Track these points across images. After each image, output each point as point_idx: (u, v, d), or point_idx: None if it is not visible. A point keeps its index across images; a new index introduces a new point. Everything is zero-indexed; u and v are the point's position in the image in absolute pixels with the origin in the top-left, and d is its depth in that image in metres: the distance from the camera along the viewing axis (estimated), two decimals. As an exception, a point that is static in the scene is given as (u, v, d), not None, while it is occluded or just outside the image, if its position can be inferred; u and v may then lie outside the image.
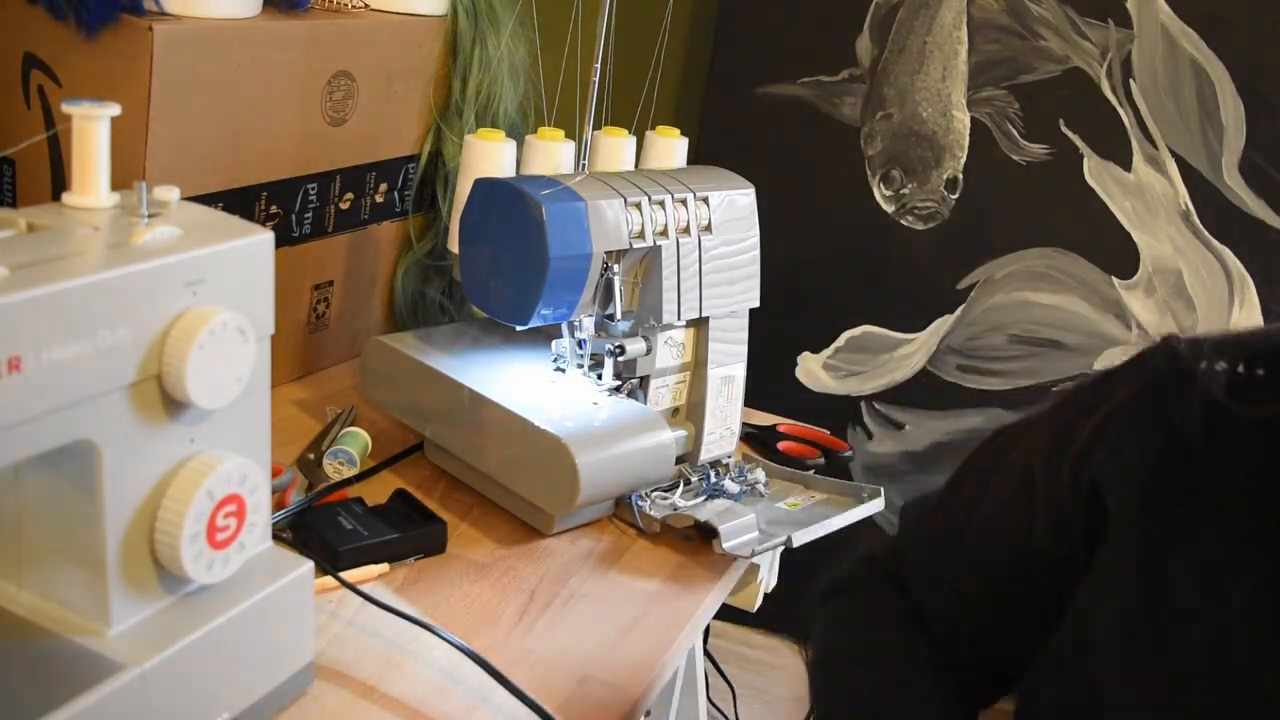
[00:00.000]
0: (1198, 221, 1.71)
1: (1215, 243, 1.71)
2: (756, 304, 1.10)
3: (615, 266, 1.00)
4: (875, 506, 1.05)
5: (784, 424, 1.27)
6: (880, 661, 0.75)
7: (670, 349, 1.06)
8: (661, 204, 1.01)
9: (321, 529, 0.91)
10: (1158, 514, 0.63)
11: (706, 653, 1.59)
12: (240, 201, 1.07)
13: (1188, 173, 1.70)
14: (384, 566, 0.91)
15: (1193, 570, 0.61)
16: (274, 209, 1.12)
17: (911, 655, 0.75)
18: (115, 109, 0.61)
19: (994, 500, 0.74)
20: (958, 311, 1.84)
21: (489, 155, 1.09)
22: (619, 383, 1.04)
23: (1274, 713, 0.57)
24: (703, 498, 1.04)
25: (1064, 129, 1.74)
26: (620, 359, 1.02)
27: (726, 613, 1.10)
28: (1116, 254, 1.76)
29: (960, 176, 1.79)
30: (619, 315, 1.02)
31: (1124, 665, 0.62)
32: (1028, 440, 0.74)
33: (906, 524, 0.83)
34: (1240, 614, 0.59)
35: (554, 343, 1.07)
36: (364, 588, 0.86)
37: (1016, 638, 0.72)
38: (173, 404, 0.62)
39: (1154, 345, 0.67)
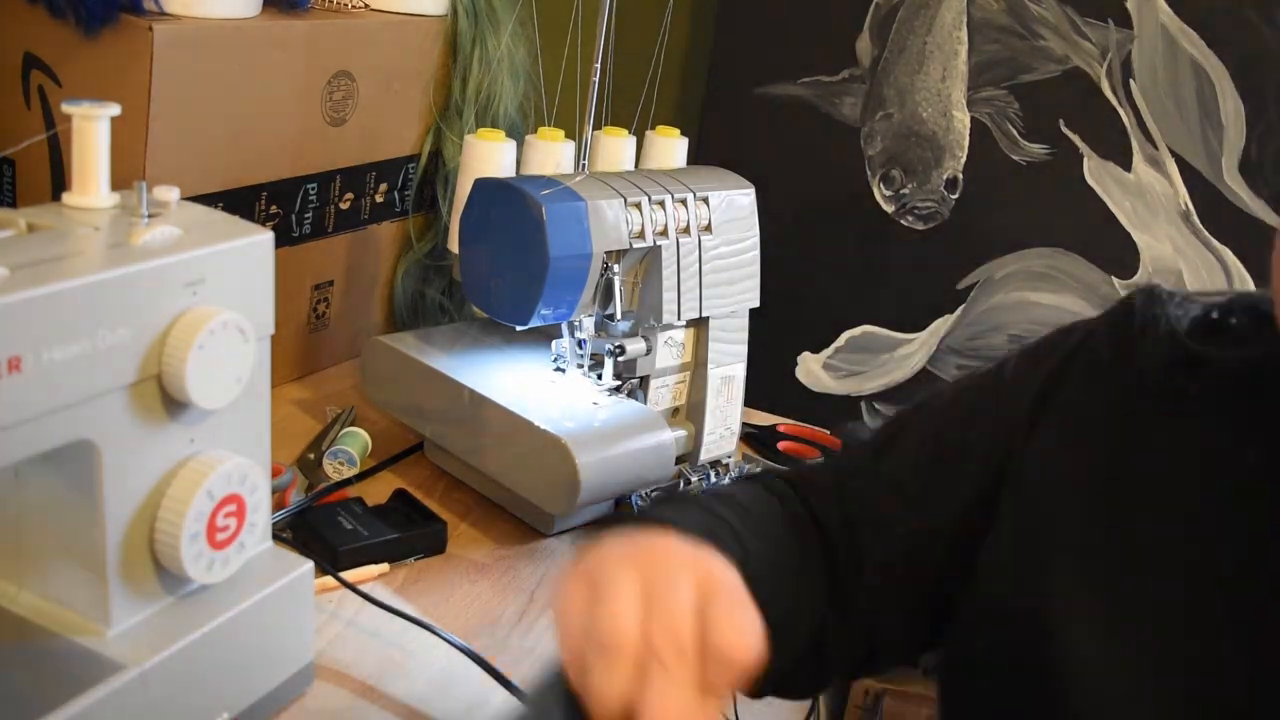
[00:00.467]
0: (1198, 221, 1.71)
1: (1215, 243, 1.71)
2: (756, 304, 1.10)
3: (615, 266, 1.00)
4: (875, 506, 1.05)
5: (784, 424, 1.27)
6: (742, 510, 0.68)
7: (670, 349, 1.05)
8: (661, 204, 1.01)
9: (321, 529, 0.91)
10: (1117, 451, 0.62)
11: (706, 653, 1.59)
12: (240, 201, 1.07)
13: (1188, 173, 1.70)
14: (384, 566, 0.91)
15: (1150, 520, 0.60)
16: (274, 209, 1.11)
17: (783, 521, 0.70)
18: (115, 109, 0.61)
19: (931, 440, 0.72)
20: (958, 311, 1.84)
21: (489, 155, 1.09)
22: (619, 383, 1.04)
23: (1246, 664, 0.56)
24: (703, 498, 1.04)
25: (1064, 129, 1.74)
26: (620, 359, 1.02)
27: (726, 613, 1.10)
28: (1116, 254, 1.75)
29: (960, 176, 1.79)
30: (619, 315, 1.02)
31: (1085, 608, 0.60)
32: (979, 381, 0.73)
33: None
34: (1202, 565, 0.58)
35: (554, 343, 1.07)
36: (364, 588, 0.86)
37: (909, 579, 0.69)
38: (173, 404, 0.62)
39: (1134, 290, 0.67)
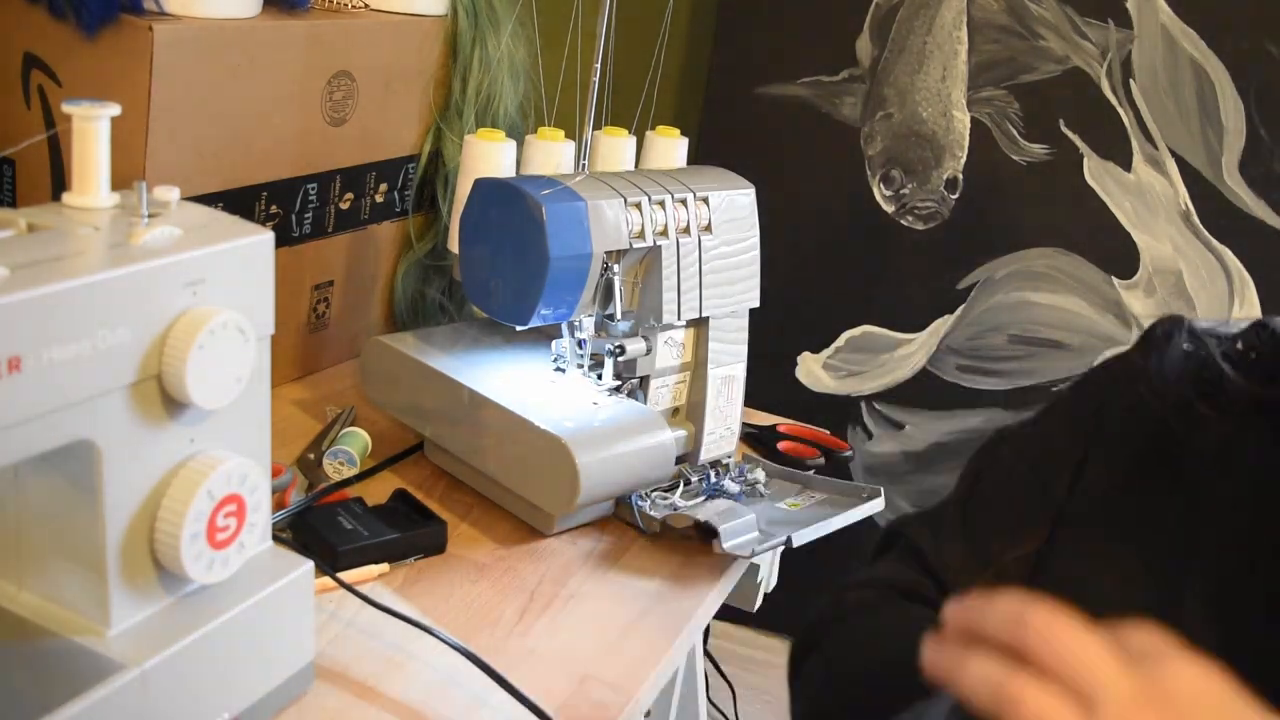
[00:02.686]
0: (1198, 221, 1.71)
1: (1215, 243, 1.71)
2: (756, 304, 1.10)
3: (615, 266, 1.00)
4: (875, 506, 1.05)
5: (784, 424, 1.27)
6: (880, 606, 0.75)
7: (670, 349, 1.06)
8: (661, 204, 1.01)
9: (321, 529, 0.91)
10: (1141, 482, 0.65)
11: (706, 653, 1.59)
12: (240, 201, 1.07)
13: (1188, 173, 1.70)
14: (384, 566, 0.91)
15: (1175, 544, 0.62)
16: (274, 209, 1.12)
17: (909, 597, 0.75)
18: (115, 109, 0.61)
19: (996, 484, 0.76)
20: (958, 311, 1.84)
21: (489, 155, 1.09)
22: (619, 383, 1.04)
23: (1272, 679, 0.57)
24: (703, 498, 1.04)
25: (1064, 129, 1.74)
26: (620, 359, 1.02)
27: (726, 613, 1.10)
28: (1116, 254, 1.76)
29: (960, 176, 1.79)
30: (619, 315, 1.02)
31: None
32: (1034, 430, 0.76)
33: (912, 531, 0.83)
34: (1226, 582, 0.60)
35: (554, 343, 1.07)
36: (364, 588, 0.86)
37: None
38: (173, 404, 0.62)
39: (1157, 321, 0.70)
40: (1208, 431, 0.63)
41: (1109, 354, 0.80)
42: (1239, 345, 0.65)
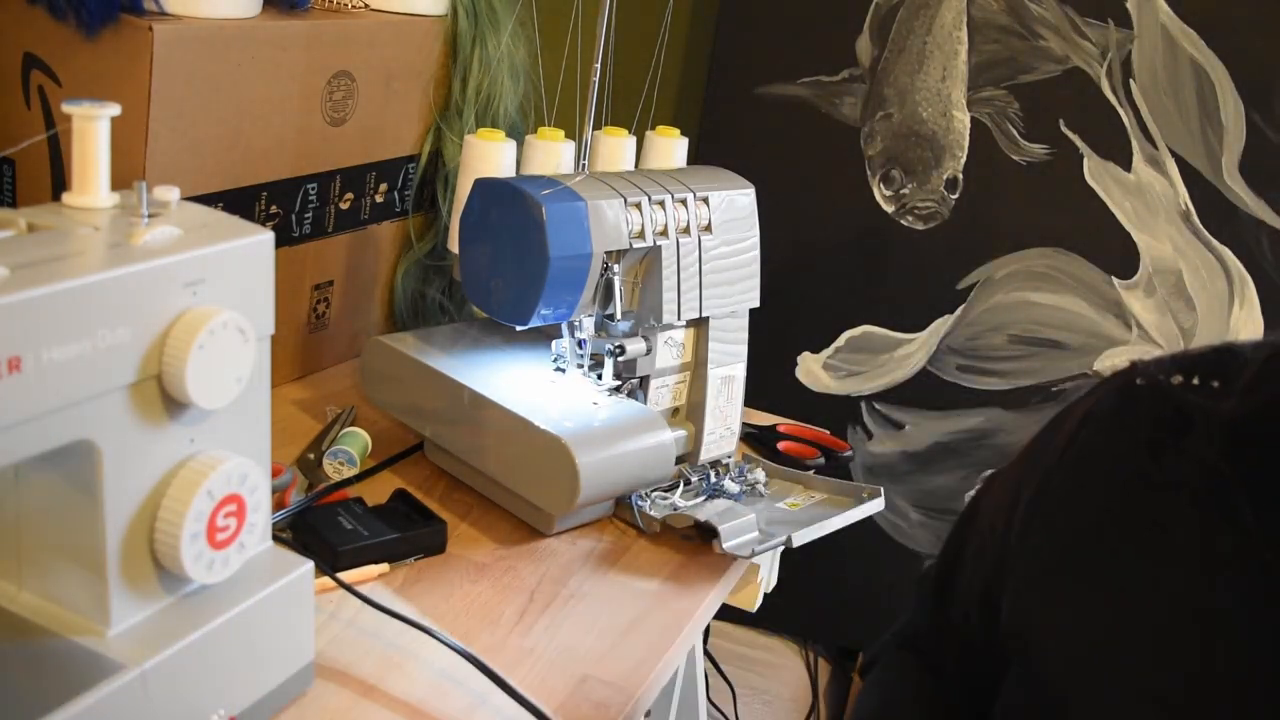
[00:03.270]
0: (1198, 221, 1.71)
1: (1215, 243, 1.71)
2: (756, 304, 1.10)
3: (615, 266, 1.00)
4: (875, 506, 1.05)
5: (784, 424, 1.27)
6: None
7: (670, 349, 1.06)
8: (661, 204, 1.01)
9: (321, 529, 0.91)
10: (1117, 529, 0.65)
11: (706, 653, 1.59)
12: (240, 201, 1.07)
13: (1188, 173, 1.70)
14: (384, 566, 0.91)
15: (1154, 590, 0.62)
16: (274, 209, 1.12)
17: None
18: (115, 109, 0.61)
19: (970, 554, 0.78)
20: (958, 311, 1.84)
21: (489, 155, 1.09)
22: (619, 383, 1.04)
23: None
24: (703, 498, 1.04)
25: (1064, 129, 1.74)
26: (620, 359, 1.02)
27: (726, 613, 1.10)
28: (1116, 254, 1.76)
29: (960, 176, 1.79)
30: (619, 315, 1.02)
31: (1090, 685, 0.63)
32: (1000, 480, 0.77)
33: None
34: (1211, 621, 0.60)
35: (554, 343, 1.07)
36: (364, 588, 0.86)
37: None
38: (173, 404, 0.62)
39: (1115, 371, 0.70)
40: (1184, 467, 0.63)
41: (1099, 366, 0.82)
42: (1195, 379, 0.65)
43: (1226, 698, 0.58)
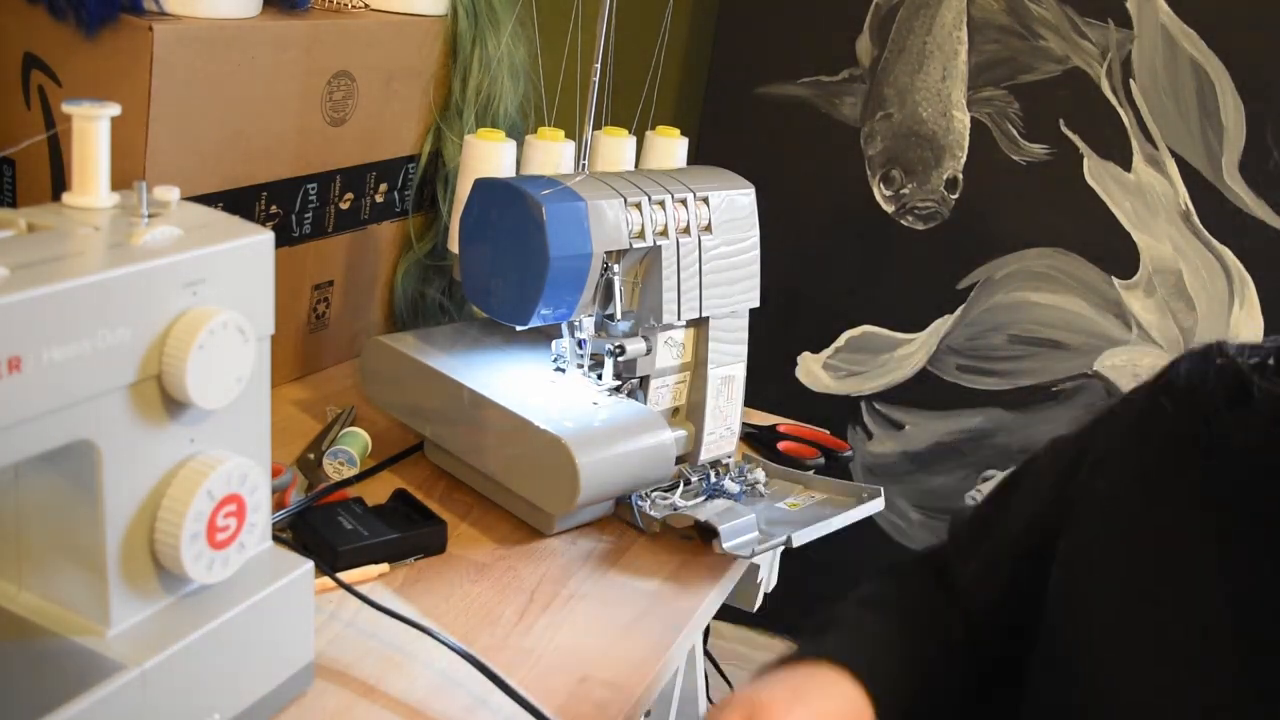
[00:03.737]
0: (1198, 221, 1.71)
1: (1215, 243, 1.71)
2: (756, 304, 1.10)
3: (615, 266, 1.00)
4: (875, 506, 1.05)
5: (784, 424, 1.27)
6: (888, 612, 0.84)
7: (670, 349, 1.05)
8: (661, 204, 1.01)
9: (321, 529, 0.91)
10: (1159, 503, 0.69)
11: (706, 653, 1.59)
12: (240, 201, 1.07)
13: (1188, 173, 1.70)
14: (384, 566, 0.91)
15: (1185, 562, 0.64)
16: (274, 209, 1.12)
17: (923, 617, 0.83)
18: (115, 109, 0.61)
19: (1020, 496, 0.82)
20: (958, 311, 1.84)
21: (489, 155, 1.09)
22: (619, 383, 1.04)
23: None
24: (703, 498, 1.04)
25: (1064, 129, 1.74)
26: (620, 359, 1.02)
27: (726, 613, 1.10)
28: (1116, 254, 1.76)
29: (960, 176, 1.79)
30: (619, 315, 1.02)
31: (1119, 662, 0.64)
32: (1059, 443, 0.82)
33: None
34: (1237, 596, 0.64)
35: (554, 343, 1.07)
36: (364, 588, 0.86)
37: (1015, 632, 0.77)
38: (173, 404, 0.62)
39: (1198, 348, 0.75)
40: (1235, 443, 0.66)
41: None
42: (1271, 360, 0.68)
43: (1230, 651, 0.61)
